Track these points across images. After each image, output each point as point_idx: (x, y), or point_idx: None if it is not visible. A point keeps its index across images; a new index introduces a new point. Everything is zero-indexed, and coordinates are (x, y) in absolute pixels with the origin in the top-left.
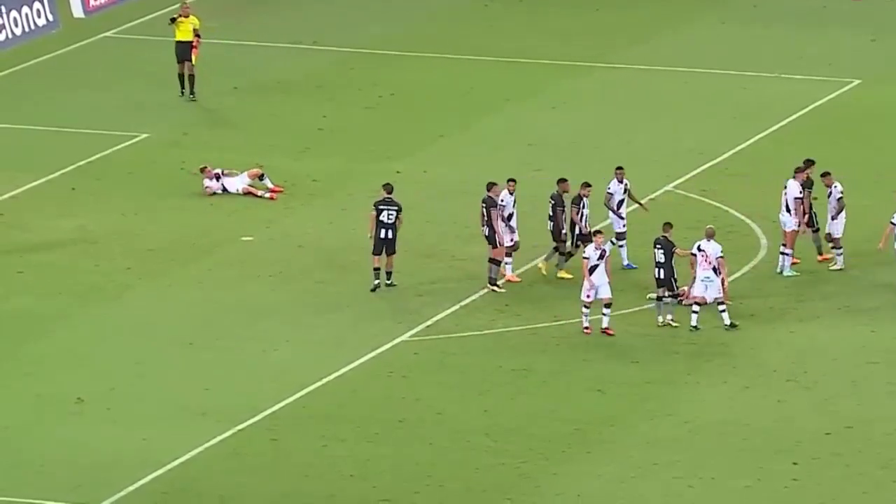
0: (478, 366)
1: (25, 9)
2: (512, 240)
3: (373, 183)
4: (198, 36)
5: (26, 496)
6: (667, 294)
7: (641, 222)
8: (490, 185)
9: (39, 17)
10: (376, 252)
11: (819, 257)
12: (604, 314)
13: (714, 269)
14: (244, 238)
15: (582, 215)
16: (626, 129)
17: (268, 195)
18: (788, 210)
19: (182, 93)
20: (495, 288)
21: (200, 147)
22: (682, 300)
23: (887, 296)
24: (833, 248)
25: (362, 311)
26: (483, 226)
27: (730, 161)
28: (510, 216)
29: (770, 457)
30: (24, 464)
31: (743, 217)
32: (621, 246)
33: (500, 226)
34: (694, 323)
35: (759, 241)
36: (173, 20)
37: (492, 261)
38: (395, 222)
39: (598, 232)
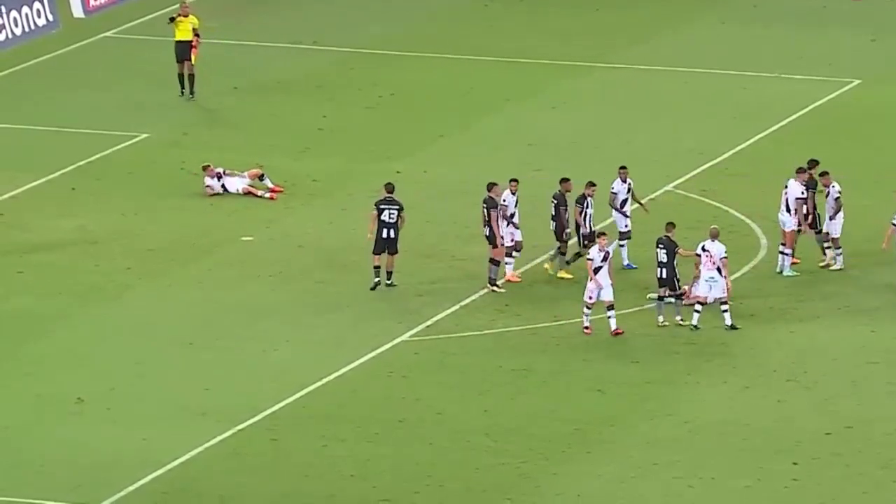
0: (478, 366)
1: (25, 9)
2: (513, 239)
3: (373, 183)
4: (197, 36)
5: (26, 496)
6: (668, 294)
7: (641, 222)
8: (490, 186)
9: (39, 17)
10: (377, 251)
11: (822, 263)
12: (609, 317)
13: (717, 270)
14: (244, 238)
15: (586, 215)
16: (626, 129)
17: (268, 195)
18: (788, 210)
19: (182, 93)
20: (495, 288)
21: (200, 147)
22: (683, 300)
23: (887, 296)
24: (831, 247)
25: (362, 311)
26: (484, 226)
27: (730, 161)
28: (512, 215)
29: (770, 457)
30: (24, 464)
31: (743, 217)
32: (622, 245)
33: (499, 226)
34: (695, 322)
35: (759, 241)
36: (172, 20)
37: (492, 261)
38: (397, 221)
39: (603, 234)
